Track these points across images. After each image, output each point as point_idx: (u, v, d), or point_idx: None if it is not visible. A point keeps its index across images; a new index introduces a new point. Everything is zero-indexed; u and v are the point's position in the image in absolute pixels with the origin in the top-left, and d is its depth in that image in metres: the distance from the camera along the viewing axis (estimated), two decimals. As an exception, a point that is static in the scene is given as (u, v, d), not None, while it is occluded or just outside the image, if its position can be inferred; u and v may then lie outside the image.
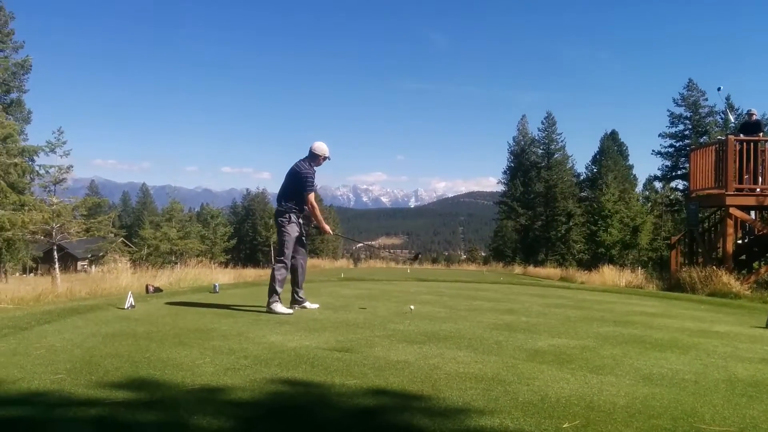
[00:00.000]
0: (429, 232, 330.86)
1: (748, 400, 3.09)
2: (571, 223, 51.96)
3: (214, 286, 8.70)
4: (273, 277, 6.18)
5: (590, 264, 34.91)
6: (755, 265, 14.35)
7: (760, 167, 12.64)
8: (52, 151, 28.25)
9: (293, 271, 6.44)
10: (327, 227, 6.67)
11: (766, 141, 12.73)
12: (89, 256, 49.06)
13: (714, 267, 11.61)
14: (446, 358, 3.92)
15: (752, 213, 13.33)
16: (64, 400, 2.86)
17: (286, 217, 6.23)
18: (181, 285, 10.80)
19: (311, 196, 6.29)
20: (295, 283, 6.50)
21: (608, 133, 58.42)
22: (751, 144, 12.34)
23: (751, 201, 12.61)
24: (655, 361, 4.00)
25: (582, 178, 57.29)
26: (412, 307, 6.48)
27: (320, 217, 6.45)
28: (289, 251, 6.26)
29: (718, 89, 15.84)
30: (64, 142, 28.43)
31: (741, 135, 13.00)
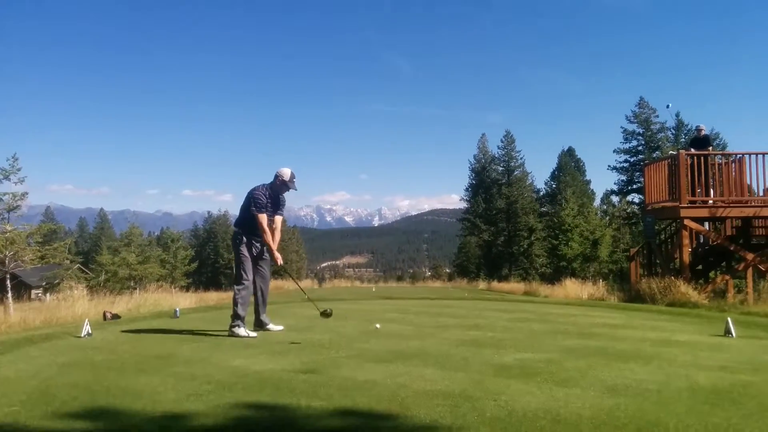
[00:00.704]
0: (393, 250, 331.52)
1: (710, 407, 3.15)
2: (532, 238, 52.79)
3: (175, 311, 8.50)
4: (234, 301, 6.10)
5: (553, 277, 35.42)
6: (711, 274, 14.79)
7: (711, 180, 13.09)
8: (6, 178, 27.38)
9: (255, 293, 6.36)
10: (277, 255, 6.34)
11: (715, 155, 13.21)
12: (44, 283, 47.48)
13: (672, 277, 11.90)
14: (413, 376, 3.91)
15: (706, 224, 13.77)
16: (17, 434, 2.73)
17: (239, 239, 6.21)
18: (141, 311, 10.52)
19: (261, 218, 6.13)
20: (258, 306, 6.41)
21: (565, 149, 59.96)
22: (702, 158, 12.77)
23: (704, 213, 13.01)
24: (619, 372, 4.06)
25: (542, 193, 58.44)
26: (378, 325, 6.45)
27: (269, 241, 6.20)
28: (246, 273, 6.17)
29: (667, 106, 16.45)
30: (19, 169, 27.56)
31: (692, 150, 13.45)
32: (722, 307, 10.08)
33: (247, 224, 6.22)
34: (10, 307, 22.05)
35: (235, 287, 6.17)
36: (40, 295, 47.46)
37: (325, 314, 6.32)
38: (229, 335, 6.03)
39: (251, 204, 6.16)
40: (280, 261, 6.33)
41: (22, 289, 39.44)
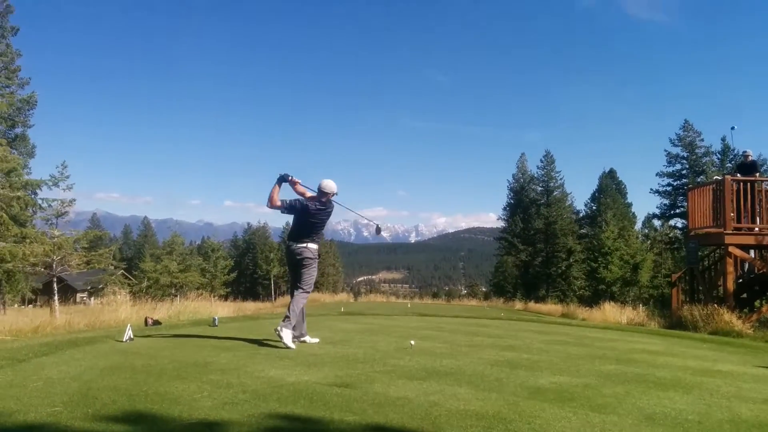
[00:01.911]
0: (429, 267, 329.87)
1: (753, 440, 3.03)
2: (571, 260, 51.91)
3: (214, 320, 8.64)
4: (297, 305, 6.23)
5: (591, 300, 34.74)
6: (756, 303, 14.28)
7: (757, 207, 12.69)
8: (56, 185, 28.48)
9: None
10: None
11: (762, 181, 12.81)
12: (89, 288, 48.86)
13: (715, 305, 11.54)
14: (446, 394, 3.87)
15: (751, 252, 13.33)
16: (59, 433, 2.81)
17: (316, 255, 6.41)
18: (181, 318, 10.73)
19: (275, 191, 6.26)
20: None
21: (606, 171, 58.94)
22: (748, 184, 12.41)
23: (749, 240, 12.61)
24: (658, 400, 3.95)
25: (581, 215, 57.49)
26: (412, 342, 6.42)
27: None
28: (313, 284, 6.50)
29: (732, 128, 16.13)
30: (68, 176, 28.73)
31: (738, 175, 13.08)
32: (767, 337, 9.73)
33: (310, 238, 6.37)
34: (56, 309, 22.78)
35: (303, 293, 6.33)
36: (84, 298, 48.93)
37: (378, 230, 6.93)
38: (275, 331, 6.09)
39: (325, 221, 6.44)
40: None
41: (68, 293, 40.71)
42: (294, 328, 6.30)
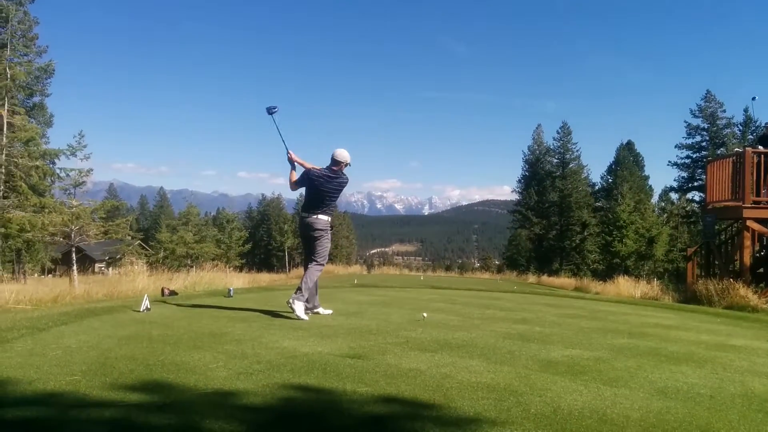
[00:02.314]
0: (443, 240, 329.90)
1: (764, 416, 3.03)
2: (585, 233, 51.69)
3: (229, 291, 8.73)
4: (311, 277, 6.25)
5: (605, 274, 34.64)
6: (773, 278, 14.12)
7: (778, 180, 12.47)
8: (73, 154, 28.69)
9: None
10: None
11: (785, 154, 12.56)
12: (107, 258, 49.57)
13: (731, 280, 11.44)
14: (458, 367, 3.90)
15: (770, 226, 13.14)
16: (79, 401, 2.87)
17: (329, 227, 6.39)
18: (196, 288, 10.86)
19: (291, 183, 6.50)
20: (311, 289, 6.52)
21: (624, 143, 58.20)
22: (769, 157, 12.17)
23: (768, 214, 12.42)
24: (670, 374, 3.95)
25: (597, 188, 57.01)
26: (425, 314, 6.45)
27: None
28: (327, 256, 6.49)
29: (753, 98, 15.64)
30: (85, 146, 28.90)
31: (759, 147, 12.84)
32: (784, 313, 9.65)
33: (324, 210, 6.34)
34: (75, 279, 23.15)
35: (316, 267, 6.34)
36: (103, 268, 49.68)
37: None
38: (287, 304, 6.16)
39: (340, 191, 6.37)
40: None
41: (86, 263, 41.29)
42: (308, 301, 6.36)
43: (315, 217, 6.29)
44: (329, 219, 6.38)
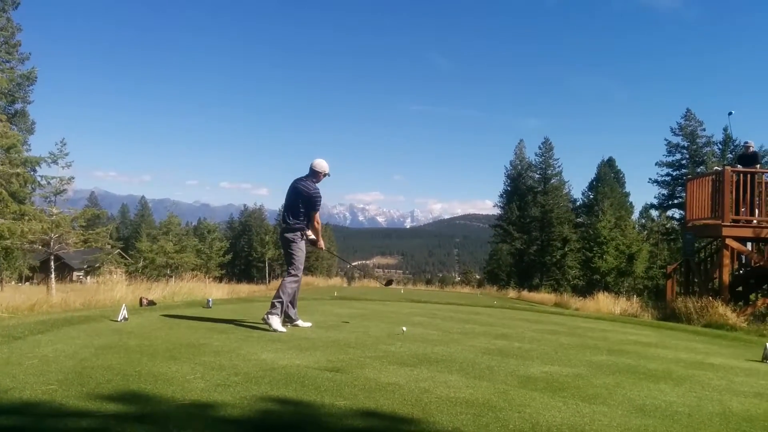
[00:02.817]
0: (424, 253, 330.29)
1: (739, 433, 3.07)
2: (566, 249, 52.01)
3: (208, 301, 8.65)
4: (283, 290, 6.20)
5: (585, 290, 34.89)
6: (752, 297, 14.32)
7: (756, 199, 12.70)
8: (54, 162, 28.33)
9: None
10: (322, 243, 6.84)
11: (763, 173, 12.80)
12: (85, 266, 48.86)
13: (710, 298, 11.57)
14: (437, 381, 3.90)
15: (749, 245, 13.36)
16: (55, 411, 2.84)
17: (298, 234, 6.32)
18: (175, 299, 10.74)
19: (318, 215, 6.49)
20: (290, 301, 6.49)
21: (605, 160, 58.84)
22: (748, 176, 12.39)
23: (747, 233, 12.63)
24: (649, 392, 3.98)
25: (578, 204, 57.51)
26: (404, 328, 6.45)
27: (320, 233, 6.65)
28: (301, 268, 6.41)
29: (730, 113, 15.89)
30: (67, 154, 28.56)
31: (738, 166, 13.07)
32: (761, 331, 9.78)
33: (302, 219, 6.34)
34: (52, 287, 22.80)
35: (288, 279, 6.30)
36: (81, 277, 48.96)
37: (389, 282, 7.03)
38: (262, 321, 6.17)
39: (315, 204, 6.35)
40: (324, 247, 7.00)
41: (64, 271, 40.68)
42: (288, 312, 6.35)
43: (285, 225, 6.40)
44: (301, 227, 6.32)
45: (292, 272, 6.33)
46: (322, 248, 6.91)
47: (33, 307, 8.36)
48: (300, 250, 6.34)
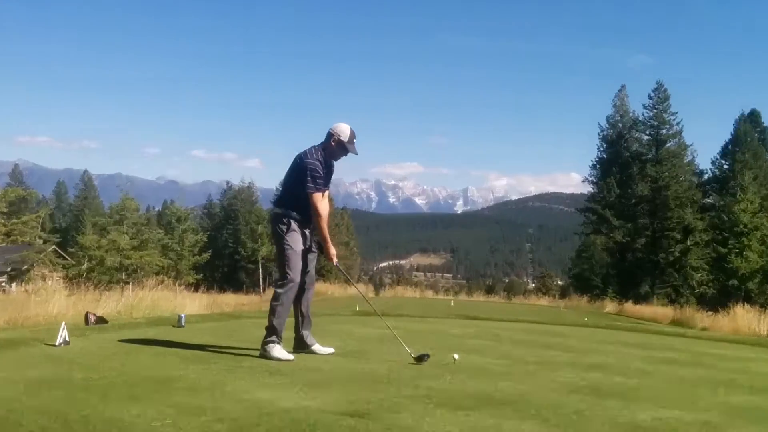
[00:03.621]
0: (483, 250, 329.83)
1: None
2: (689, 242, 51.39)
3: (180, 318, 8.76)
4: (272, 308, 6.19)
5: (717, 302, 34.46)
6: None
7: None
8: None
9: (297, 302, 6.41)
10: (333, 251, 6.49)
11: None
12: (9, 269, 49.86)
13: None
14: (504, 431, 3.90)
15: None
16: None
17: (284, 223, 6.24)
18: (134, 315, 10.92)
19: (317, 198, 6.20)
20: (300, 319, 6.51)
21: (745, 114, 57.80)
22: None
23: None
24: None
25: (706, 177, 56.72)
26: (456, 356, 6.45)
27: (326, 233, 6.38)
28: (293, 271, 6.21)
29: None
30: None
31: None
32: None
33: (295, 203, 6.30)
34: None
35: (276, 290, 6.30)
36: (4, 284, 49.95)
37: (421, 360, 6.18)
38: (260, 356, 6.18)
39: (305, 178, 6.14)
40: (335, 259, 6.53)
41: (-23, 276, 41.61)
42: (299, 333, 6.42)
43: (273, 212, 6.62)
44: (292, 215, 6.26)
45: (281, 281, 6.27)
46: (332, 260, 6.58)
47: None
48: (288, 246, 6.21)
